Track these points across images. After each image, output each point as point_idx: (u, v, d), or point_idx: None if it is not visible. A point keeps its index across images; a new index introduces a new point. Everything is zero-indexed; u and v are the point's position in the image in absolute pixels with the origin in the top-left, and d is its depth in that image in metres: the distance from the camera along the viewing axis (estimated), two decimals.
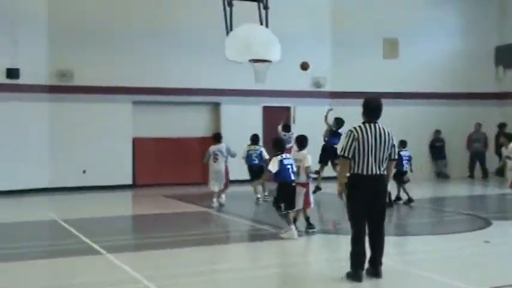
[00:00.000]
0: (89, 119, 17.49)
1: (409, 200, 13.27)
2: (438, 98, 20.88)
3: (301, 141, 10.07)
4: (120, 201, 15.65)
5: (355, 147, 6.92)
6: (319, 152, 14.98)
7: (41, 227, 11.53)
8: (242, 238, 10.24)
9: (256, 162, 14.18)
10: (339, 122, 15.06)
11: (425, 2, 20.96)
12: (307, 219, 9.94)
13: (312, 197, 10.02)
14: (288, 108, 18.99)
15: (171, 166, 18.42)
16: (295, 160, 9.78)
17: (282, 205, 9.49)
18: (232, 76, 17.89)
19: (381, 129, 7.04)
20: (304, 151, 9.95)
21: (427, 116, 20.69)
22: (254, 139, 14.71)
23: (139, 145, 18.22)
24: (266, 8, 14.88)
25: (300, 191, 9.68)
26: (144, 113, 18.26)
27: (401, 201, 13.45)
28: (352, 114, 19.02)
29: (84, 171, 17.50)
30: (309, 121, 17.56)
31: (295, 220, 9.91)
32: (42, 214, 12.96)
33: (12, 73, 16.45)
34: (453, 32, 21.36)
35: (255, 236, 10.40)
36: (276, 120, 17.05)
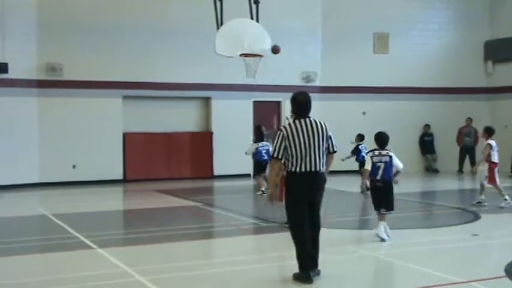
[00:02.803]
0: (78, 113, 17.42)
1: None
2: (428, 92, 20.95)
3: None
4: (111, 196, 15.61)
5: (285, 146, 6.61)
6: None
7: (31, 222, 11.51)
8: (233, 232, 10.25)
9: (266, 158, 14.03)
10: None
11: None
12: None
13: None
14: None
15: (162, 161, 18.41)
16: None
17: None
18: (223, 71, 17.87)
19: (313, 122, 6.69)
20: None
21: (416, 111, 20.75)
22: (259, 134, 14.82)
23: (129, 140, 18.16)
24: (256, 2, 14.88)
25: None
26: (134, 108, 18.21)
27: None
28: (343, 109, 19.23)
29: (74, 166, 17.45)
30: None
31: None
32: (32, 209, 12.93)
33: (1, 67, 16.32)
34: (443, 27, 21.44)
35: (246, 231, 10.44)
36: (267, 115, 17.06)
